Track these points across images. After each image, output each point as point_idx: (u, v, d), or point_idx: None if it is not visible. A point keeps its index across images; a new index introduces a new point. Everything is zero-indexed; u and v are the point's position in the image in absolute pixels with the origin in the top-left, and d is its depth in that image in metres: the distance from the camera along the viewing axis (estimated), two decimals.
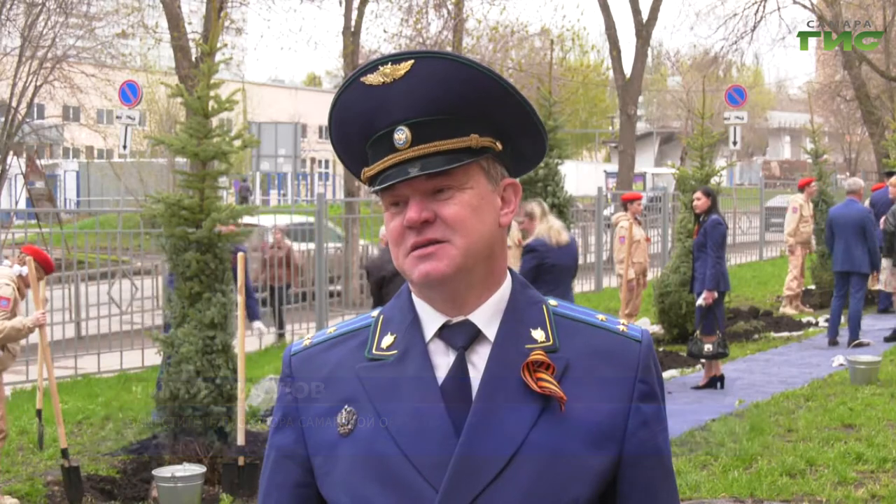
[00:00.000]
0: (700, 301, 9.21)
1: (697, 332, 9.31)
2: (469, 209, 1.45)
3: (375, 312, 1.58)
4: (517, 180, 1.55)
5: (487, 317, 1.49)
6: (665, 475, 1.53)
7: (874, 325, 12.94)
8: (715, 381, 9.46)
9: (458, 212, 1.44)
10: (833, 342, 11.63)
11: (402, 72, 1.43)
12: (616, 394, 1.48)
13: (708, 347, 9.17)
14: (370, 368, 1.50)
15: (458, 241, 1.44)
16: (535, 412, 1.43)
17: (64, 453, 6.66)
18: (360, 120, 1.48)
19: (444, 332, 1.49)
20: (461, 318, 1.49)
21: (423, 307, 1.51)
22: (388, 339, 1.51)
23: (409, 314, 1.52)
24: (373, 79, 1.44)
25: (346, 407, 1.48)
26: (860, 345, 11.37)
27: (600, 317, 1.55)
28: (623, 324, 1.55)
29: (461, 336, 1.48)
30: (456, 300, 1.48)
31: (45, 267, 6.82)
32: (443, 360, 1.48)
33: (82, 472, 7.14)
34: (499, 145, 1.49)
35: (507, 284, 1.52)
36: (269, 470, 1.57)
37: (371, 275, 7.44)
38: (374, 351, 1.51)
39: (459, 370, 1.46)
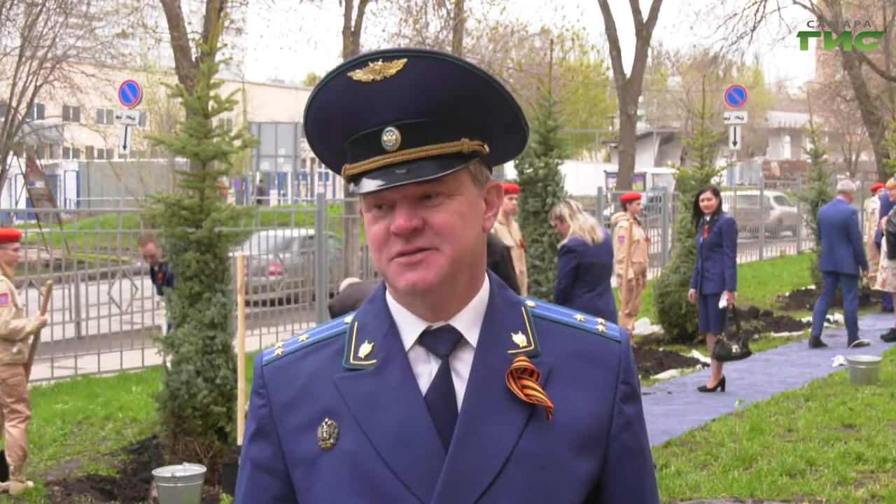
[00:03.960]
0: (723, 303, 9.09)
1: (722, 334, 9.20)
2: (458, 217, 1.41)
3: (349, 318, 1.52)
4: (500, 182, 1.52)
5: (468, 321, 1.45)
6: (648, 473, 1.54)
7: (874, 325, 12.95)
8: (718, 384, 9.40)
9: (448, 220, 1.40)
10: (815, 342, 11.56)
11: (394, 70, 1.36)
12: (599, 396, 1.47)
13: (735, 348, 9.10)
14: (349, 379, 1.44)
15: (446, 249, 1.40)
16: (522, 420, 1.40)
17: None
18: (344, 116, 1.41)
19: (425, 339, 1.45)
20: (442, 323, 1.45)
21: (400, 313, 1.47)
22: (365, 348, 1.46)
23: (385, 321, 1.47)
24: (361, 75, 1.37)
25: (326, 420, 1.43)
26: (860, 345, 11.36)
27: (578, 317, 1.53)
28: (601, 323, 1.53)
29: (443, 343, 1.44)
30: (438, 307, 1.44)
31: (17, 237, 6.91)
32: (424, 369, 1.43)
33: (81, 472, 7.16)
34: (486, 148, 1.45)
35: (485, 286, 1.49)
36: (246, 484, 1.51)
37: (335, 314, 7.18)
38: (351, 360, 1.46)
39: (444, 379, 1.42)
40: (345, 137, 1.44)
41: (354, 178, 1.43)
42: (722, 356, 9.15)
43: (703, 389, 9.36)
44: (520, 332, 1.47)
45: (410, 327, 1.46)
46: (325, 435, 1.42)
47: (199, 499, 6.30)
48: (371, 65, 1.37)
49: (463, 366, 1.43)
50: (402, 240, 1.39)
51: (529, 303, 1.53)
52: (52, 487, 6.77)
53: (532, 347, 1.46)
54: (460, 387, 1.42)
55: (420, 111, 1.39)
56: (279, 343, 1.56)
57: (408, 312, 1.46)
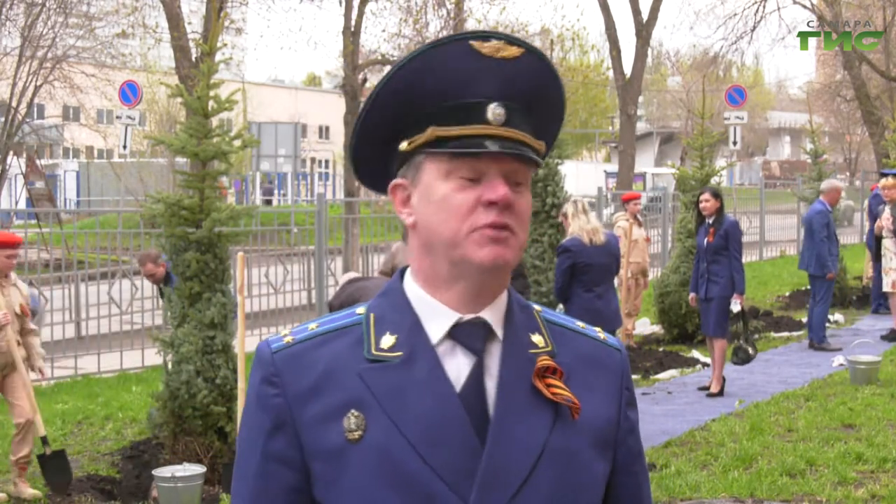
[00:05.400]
0: (737, 307, 9.03)
1: (737, 340, 9.14)
2: (529, 208, 1.46)
3: (361, 309, 1.49)
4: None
5: (497, 316, 1.46)
6: (646, 475, 1.60)
7: (874, 325, 12.95)
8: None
9: (526, 207, 1.44)
10: (812, 345, 11.56)
11: (509, 54, 1.41)
12: (608, 401, 1.51)
13: (751, 351, 9.07)
14: (374, 370, 1.41)
15: (520, 235, 1.43)
16: (550, 419, 1.42)
17: (44, 441, 6.62)
18: (452, 80, 1.42)
19: (455, 331, 1.43)
20: (471, 315, 1.44)
21: (425, 305, 1.45)
22: (388, 340, 1.43)
23: (407, 314, 1.45)
24: (482, 46, 1.41)
25: (352, 412, 1.40)
26: (822, 349, 11.33)
27: (580, 324, 1.57)
28: (600, 331, 1.58)
29: (476, 337, 1.44)
30: (482, 294, 1.44)
31: (9, 244, 6.75)
32: (453, 362, 1.42)
33: (82, 472, 7.15)
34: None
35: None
36: (255, 474, 1.45)
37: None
38: (373, 351, 1.43)
39: (477, 374, 1.42)
40: (436, 101, 1.43)
41: (436, 143, 1.42)
42: (746, 361, 9.19)
43: (704, 389, 9.32)
44: (536, 333, 1.49)
45: (438, 319, 1.44)
46: (351, 427, 1.39)
47: (199, 499, 6.30)
48: (493, 41, 1.41)
49: (492, 362, 1.44)
50: (497, 211, 1.40)
51: (536, 307, 1.55)
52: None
53: (550, 348, 1.48)
54: (489, 383, 1.43)
55: (523, 99, 1.44)
56: (285, 331, 1.51)
57: (437, 303, 1.45)
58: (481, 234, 1.40)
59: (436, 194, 1.43)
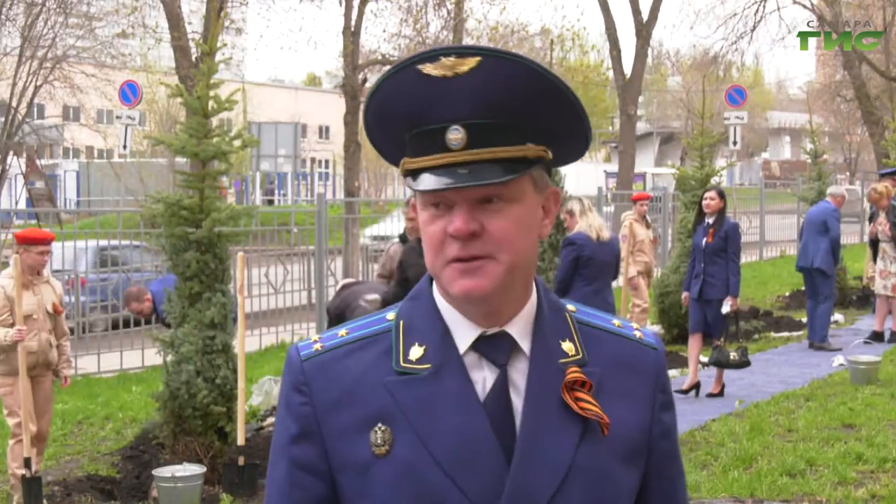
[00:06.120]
0: (727, 309, 8.99)
1: (722, 340, 9.11)
2: (517, 224, 1.38)
3: (391, 315, 1.47)
4: (558, 188, 1.49)
5: (522, 328, 1.43)
6: (681, 478, 1.55)
7: (874, 325, 12.93)
8: (710, 388, 9.32)
9: (507, 227, 1.36)
10: (812, 345, 11.54)
11: (466, 67, 1.32)
12: (641, 407, 1.47)
13: (733, 355, 9.02)
14: (402, 383, 1.39)
15: (502, 257, 1.36)
16: (578, 434, 1.39)
17: (27, 463, 6.37)
18: (408, 109, 1.37)
19: (479, 345, 1.41)
20: (496, 329, 1.41)
21: (453, 316, 1.43)
22: (416, 351, 1.41)
23: (436, 323, 1.43)
24: (431, 69, 1.32)
25: (379, 426, 1.38)
26: (822, 348, 11.32)
27: (616, 322, 1.52)
28: (637, 328, 1.53)
29: (500, 351, 1.41)
30: (492, 313, 1.41)
31: (41, 240, 6.69)
32: (478, 376, 1.40)
33: (81, 472, 7.16)
34: (549, 154, 1.42)
35: (534, 291, 1.47)
36: (282, 481, 1.44)
37: (332, 317, 7.43)
38: (402, 363, 1.41)
39: (501, 390, 1.39)
40: (407, 130, 1.40)
41: (413, 173, 1.39)
42: (721, 362, 9.06)
43: (710, 395, 9.25)
44: (567, 340, 1.45)
45: (463, 331, 1.42)
46: (378, 441, 1.38)
47: (199, 499, 6.30)
48: (443, 59, 1.32)
49: (518, 375, 1.41)
50: (459, 244, 1.36)
51: (570, 307, 1.51)
52: (52, 487, 6.76)
53: (580, 356, 1.44)
54: (515, 397, 1.40)
55: (488, 112, 1.35)
56: (314, 336, 1.49)
57: (460, 316, 1.42)
58: (451, 267, 1.37)
59: (420, 221, 1.42)
